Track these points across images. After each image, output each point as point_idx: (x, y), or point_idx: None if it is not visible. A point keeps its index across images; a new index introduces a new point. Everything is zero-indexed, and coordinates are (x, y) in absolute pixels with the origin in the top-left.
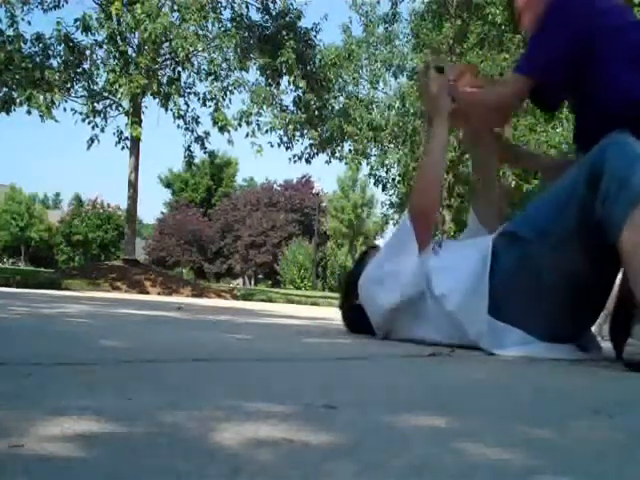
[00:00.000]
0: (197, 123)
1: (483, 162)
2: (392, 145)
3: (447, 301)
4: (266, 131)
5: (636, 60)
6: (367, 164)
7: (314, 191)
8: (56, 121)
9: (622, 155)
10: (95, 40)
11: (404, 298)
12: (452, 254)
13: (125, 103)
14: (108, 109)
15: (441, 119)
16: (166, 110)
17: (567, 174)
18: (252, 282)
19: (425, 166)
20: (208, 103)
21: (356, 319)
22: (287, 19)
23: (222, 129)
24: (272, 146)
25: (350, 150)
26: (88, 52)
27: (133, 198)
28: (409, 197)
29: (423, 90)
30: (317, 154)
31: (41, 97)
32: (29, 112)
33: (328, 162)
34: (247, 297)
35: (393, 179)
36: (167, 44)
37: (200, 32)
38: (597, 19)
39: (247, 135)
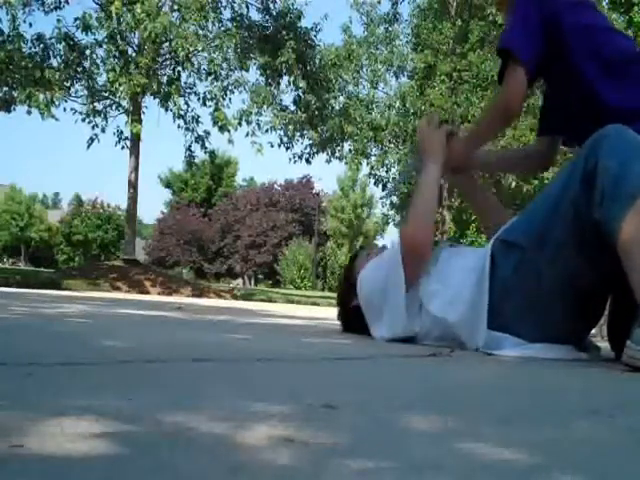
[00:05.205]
0: (197, 123)
1: (466, 185)
2: (392, 145)
3: (449, 315)
4: (266, 130)
5: (606, 64)
6: (367, 164)
7: (314, 191)
8: (56, 119)
9: (616, 151)
10: (95, 39)
11: (395, 336)
12: (446, 267)
13: (125, 102)
14: (108, 109)
15: (434, 161)
16: (166, 110)
17: (558, 174)
18: (252, 282)
19: (418, 201)
20: (208, 103)
21: (355, 320)
22: (287, 19)
23: (222, 128)
24: (272, 146)
25: (350, 150)
26: (88, 51)
27: (133, 198)
28: (401, 229)
29: (420, 134)
30: (317, 153)
31: (41, 96)
32: (29, 112)
33: (328, 161)
34: (247, 297)
35: (394, 178)
36: (167, 44)
37: (200, 32)
38: (565, 13)
39: (247, 134)
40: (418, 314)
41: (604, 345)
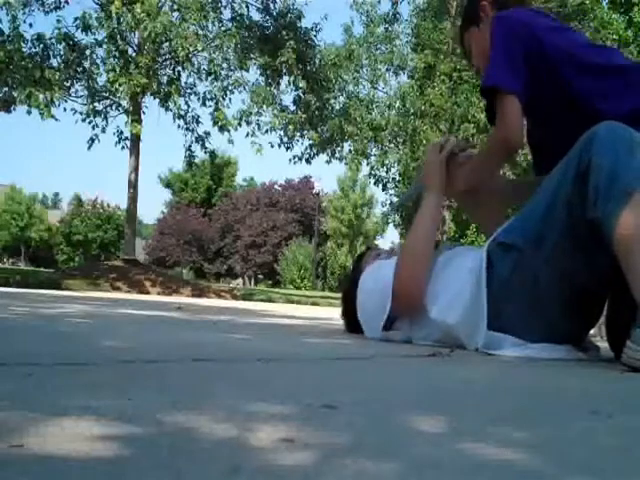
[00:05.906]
0: (197, 123)
1: (484, 217)
2: (392, 145)
3: (448, 317)
4: (266, 131)
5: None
6: (367, 164)
7: (314, 191)
8: (56, 120)
9: (608, 148)
10: (95, 39)
11: (384, 338)
12: (448, 268)
13: (125, 102)
14: (108, 109)
15: (434, 191)
16: (166, 110)
17: (552, 174)
18: (252, 282)
19: (413, 241)
20: (208, 103)
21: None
22: (287, 19)
23: (222, 129)
24: (272, 147)
25: (350, 150)
26: (88, 51)
27: (133, 198)
28: (396, 272)
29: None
30: (317, 154)
31: (41, 96)
32: (29, 112)
33: (328, 162)
34: (247, 297)
35: (393, 178)
36: (167, 44)
37: (200, 32)
38: (546, 37)
39: (247, 135)
40: (407, 323)
41: (604, 345)
